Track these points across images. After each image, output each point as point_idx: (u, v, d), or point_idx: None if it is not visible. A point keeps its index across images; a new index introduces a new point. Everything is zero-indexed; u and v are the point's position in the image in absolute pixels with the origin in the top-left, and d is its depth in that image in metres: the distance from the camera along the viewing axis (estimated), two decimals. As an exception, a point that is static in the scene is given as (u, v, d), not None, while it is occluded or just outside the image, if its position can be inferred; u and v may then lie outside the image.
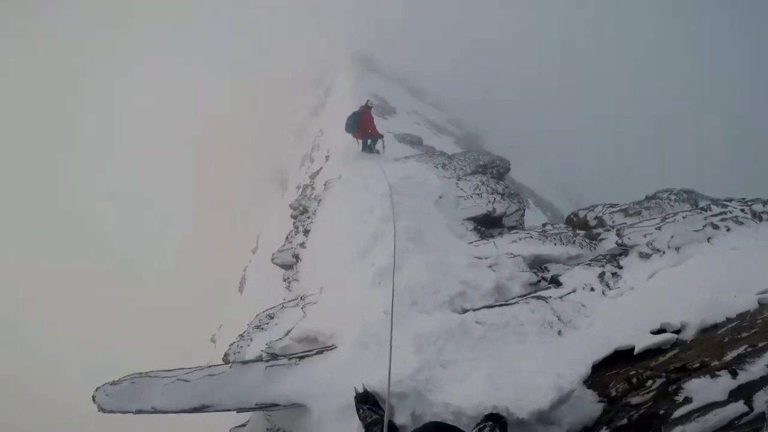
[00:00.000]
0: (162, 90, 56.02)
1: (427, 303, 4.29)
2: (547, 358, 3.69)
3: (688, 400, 2.87)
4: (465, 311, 4.32)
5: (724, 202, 5.76)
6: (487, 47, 47.61)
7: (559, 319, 4.21)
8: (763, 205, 5.63)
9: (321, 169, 13.46)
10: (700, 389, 2.87)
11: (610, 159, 41.30)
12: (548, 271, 5.45)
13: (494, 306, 4.37)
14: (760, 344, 3.10)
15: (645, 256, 4.90)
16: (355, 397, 3.20)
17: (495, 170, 9.88)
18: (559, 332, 4.09)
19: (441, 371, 3.44)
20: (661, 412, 2.91)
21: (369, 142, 10.58)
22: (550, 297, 4.53)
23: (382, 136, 10.45)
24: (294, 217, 10.61)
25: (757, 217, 5.41)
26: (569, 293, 4.62)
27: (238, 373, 3.79)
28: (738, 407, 2.79)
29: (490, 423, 2.86)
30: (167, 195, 49.15)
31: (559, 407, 3.21)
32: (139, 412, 3.50)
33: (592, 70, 52.51)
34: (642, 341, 3.72)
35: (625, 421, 3.12)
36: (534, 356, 3.73)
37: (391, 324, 3.52)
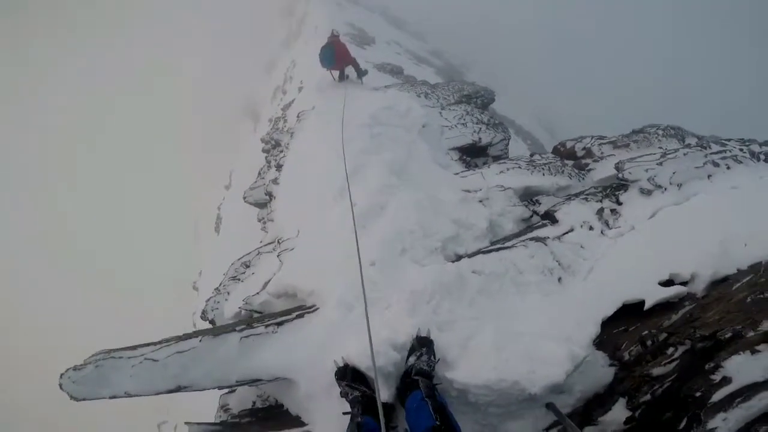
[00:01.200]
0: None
1: (418, 250, 3.85)
2: (553, 315, 3.36)
3: (726, 380, 2.57)
4: (459, 257, 3.97)
5: (723, 141, 5.59)
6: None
7: (559, 264, 3.90)
8: (760, 146, 5.54)
9: (294, 100, 12.66)
10: (741, 368, 2.55)
11: (591, 96, 40.52)
12: (539, 203, 5.21)
13: (491, 250, 4.01)
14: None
15: (646, 192, 4.61)
16: (335, 373, 2.90)
17: (479, 100, 9.47)
18: (559, 279, 3.80)
19: (438, 335, 3.01)
20: (698, 394, 2.61)
21: (346, 74, 9.93)
22: (548, 238, 4.20)
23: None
24: (266, 151, 10.01)
25: (755, 156, 5.30)
26: (567, 232, 4.30)
27: (210, 347, 3.29)
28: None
29: (424, 349, 2.79)
30: (136, 129, 46.12)
31: (571, 375, 2.93)
32: (114, 397, 3.11)
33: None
34: (652, 294, 3.43)
35: (648, 396, 2.86)
36: (539, 311, 3.41)
37: (362, 282, 3.10)
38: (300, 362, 3.22)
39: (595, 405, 3.10)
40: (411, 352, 2.85)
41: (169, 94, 42.42)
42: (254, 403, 4.46)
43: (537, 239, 4.19)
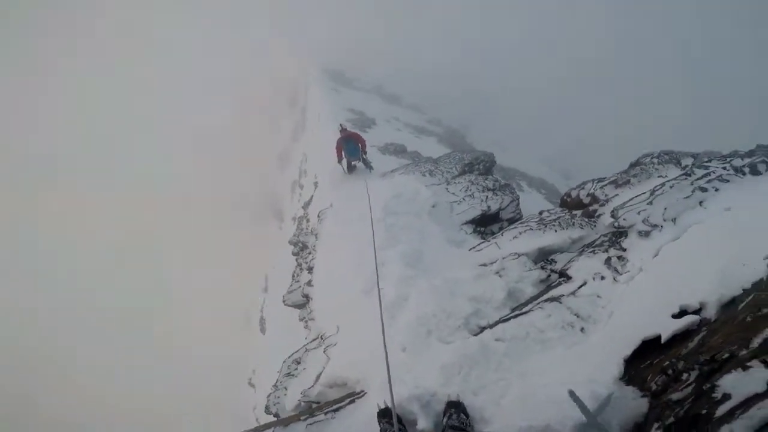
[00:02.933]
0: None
1: (442, 330, 4.28)
2: (576, 363, 3.64)
3: (727, 396, 2.75)
4: (482, 329, 4.31)
5: (705, 163, 5.72)
6: (463, 47, 47.61)
7: (578, 316, 4.16)
8: (742, 159, 5.60)
9: (312, 198, 13.47)
10: (736, 384, 2.74)
11: (591, 130, 41.20)
12: (555, 262, 5.44)
13: (510, 318, 4.34)
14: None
15: (644, 234, 4.85)
16: (378, 413, 3.44)
17: (481, 166, 9.94)
18: (582, 329, 4.05)
19: (473, 398, 3.45)
20: (704, 411, 2.81)
21: (354, 162, 10.58)
22: (563, 296, 4.48)
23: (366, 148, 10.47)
24: (295, 254, 10.61)
25: (740, 172, 5.38)
26: (581, 287, 4.56)
27: None
28: (780, 396, 2.67)
29: (453, 410, 3.27)
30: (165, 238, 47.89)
31: (601, 412, 3.15)
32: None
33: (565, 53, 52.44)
34: (666, 327, 3.62)
35: (672, 419, 3.03)
36: (562, 363, 3.69)
37: (383, 327, 3.64)
38: (358, 437, 3.73)
39: None
40: (444, 414, 3.35)
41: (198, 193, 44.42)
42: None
43: (552, 299, 4.48)
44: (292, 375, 6.07)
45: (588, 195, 6.71)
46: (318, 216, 9.43)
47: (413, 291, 4.86)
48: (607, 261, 4.80)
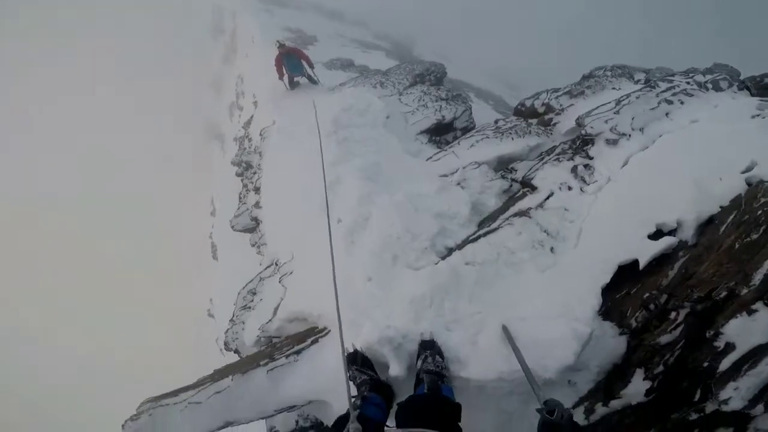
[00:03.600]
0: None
1: (409, 255, 3.91)
2: (552, 293, 3.34)
3: (730, 347, 2.48)
4: (450, 250, 4.03)
5: (669, 77, 5.63)
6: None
7: (547, 233, 3.93)
8: (704, 75, 5.58)
9: (252, 116, 12.55)
10: (741, 331, 2.48)
11: (535, 44, 40.49)
12: (515, 171, 5.31)
13: (479, 237, 4.05)
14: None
15: (612, 143, 4.64)
16: (348, 356, 3.04)
17: (432, 77, 9.61)
18: (552, 249, 3.81)
19: (447, 335, 3.14)
20: (705, 365, 2.55)
21: (297, 78, 9.94)
22: (531, 209, 4.24)
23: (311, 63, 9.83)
24: (239, 174, 10.03)
25: (703, 87, 5.33)
26: (548, 198, 4.35)
27: (242, 384, 3.54)
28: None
29: (429, 351, 2.92)
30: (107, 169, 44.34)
31: (582, 353, 2.95)
32: (176, 439, 3.43)
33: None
34: (644, 250, 3.34)
35: (661, 367, 2.82)
36: (537, 291, 3.42)
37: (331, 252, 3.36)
38: (325, 384, 3.41)
39: (615, 378, 3.09)
40: (418, 356, 3.00)
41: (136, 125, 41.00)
42: (297, 422, 4.91)
43: (520, 213, 4.23)
44: (249, 308, 5.72)
45: (543, 104, 6.63)
46: (260, 134, 8.74)
47: (374, 209, 4.45)
48: (574, 169, 4.58)
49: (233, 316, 5.87)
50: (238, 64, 21.76)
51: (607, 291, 3.36)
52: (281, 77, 9.73)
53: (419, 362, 2.91)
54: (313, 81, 9.90)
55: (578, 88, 6.35)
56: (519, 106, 7.03)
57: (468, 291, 3.45)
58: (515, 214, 4.27)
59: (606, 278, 3.35)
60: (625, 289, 3.37)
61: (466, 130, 7.34)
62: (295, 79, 9.93)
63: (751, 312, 2.46)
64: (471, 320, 3.23)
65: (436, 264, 3.76)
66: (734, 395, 2.42)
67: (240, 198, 8.97)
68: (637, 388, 2.91)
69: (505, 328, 2.96)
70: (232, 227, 8.42)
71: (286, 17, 23.47)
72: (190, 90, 32.09)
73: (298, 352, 3.65)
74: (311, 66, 9.71)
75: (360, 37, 23.97)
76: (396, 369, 2.97)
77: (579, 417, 3.04)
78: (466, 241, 4.09)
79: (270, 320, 4.60)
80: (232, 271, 12.79)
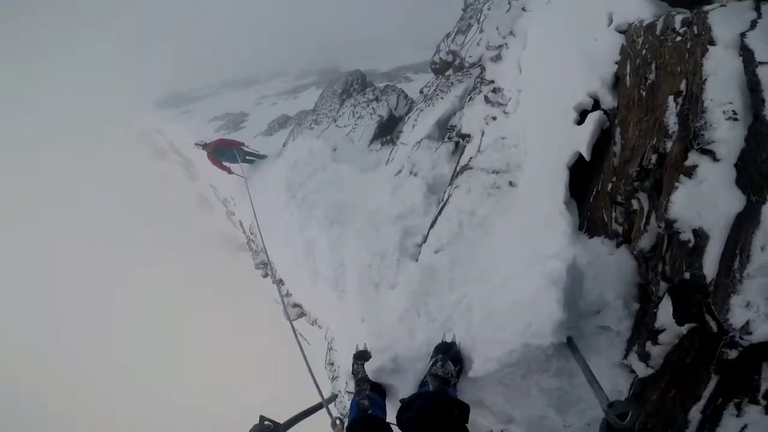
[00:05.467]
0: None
1: (386, 275, 3.93)
2: (523, 236, 3.08)
3: (700, 236, 1.77)
4: (419, 246, 3.99)
5: None
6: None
7: (496, 173, 3.74)
8: None
9: (240, 220, 12.89)
10: (696, 208, 1.80)
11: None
12: (455, 127, 5.32)
13: (436, 219, 3.96)
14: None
15: (496, 58, 4.59)
16: (354, 354, 3.16)
17: (356, 85, 9.69)
18: (511, 183, 3.59)
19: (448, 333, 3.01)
20: (686, 274, 1.89)
21: (240, 158, 9.81)
22: (471, 158, 4.12)
23: (242, 144, 9.69)
24: (264, 276, 10.24)
25: None
26: (482, 138, 4.25)
27: None
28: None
29: (440, 356, 2.77)
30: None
31: (576, 290, 2.49)
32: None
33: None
34: (578, 140, 2.93)
35: (662, 284, 2.13)
36: (510, 243, 3.17)
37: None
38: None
39: (646, 305, 2.40)
40: (431, 359, 2.89)
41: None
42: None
43: (462, 170, 4.13)
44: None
45: (448, 53, 6.68)
46: (250, 232, 9.01)
47: (346, 250, 4.54)
48: (486, 100, 4.53)
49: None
50: (201, 174, 22.20)
51: (579, 203, 3.00)
52: (229, 172, 9.46)
53: (429, 364, 2.82)
54: (254, 159, 9.78)
55: (464, 24, 6.40)
56: (432, 66, 7.08)
57: (447, 279, 3.33)
58: (458, 174, 4.19)
59: (561, 188, 2.98)
60: (594, 189, 2.91)
61: (407, 114, 7.40)
62: (239, 164, 9.52)
63: (690, 173, 1.80)
64: (458, 309, 3.08)
65: (407, 270, 3.71)
66: (751, 316, 1.52)
67: (279, 293, 9.23)
68: (667, 313, 2.15)
69: (569, 340, 2.40)
70: (290, 321, 8.65)
71: (206, 108, 23.48)
72: (189, 222, 32.87)
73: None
74: (240, 148, 9.44)
75: (284, 87, 24.16)
76: (404, 390, 2.80)
77: (639, 366, 2.37)
78: (428, 231, 4.01)
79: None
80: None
